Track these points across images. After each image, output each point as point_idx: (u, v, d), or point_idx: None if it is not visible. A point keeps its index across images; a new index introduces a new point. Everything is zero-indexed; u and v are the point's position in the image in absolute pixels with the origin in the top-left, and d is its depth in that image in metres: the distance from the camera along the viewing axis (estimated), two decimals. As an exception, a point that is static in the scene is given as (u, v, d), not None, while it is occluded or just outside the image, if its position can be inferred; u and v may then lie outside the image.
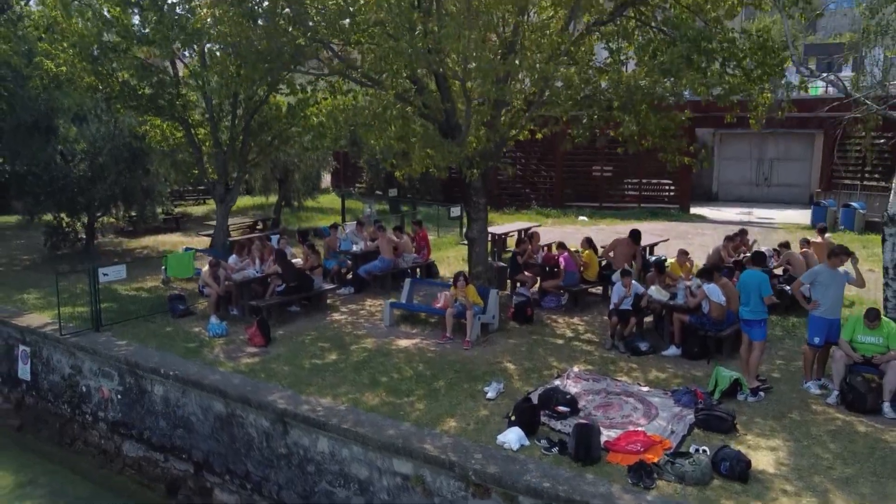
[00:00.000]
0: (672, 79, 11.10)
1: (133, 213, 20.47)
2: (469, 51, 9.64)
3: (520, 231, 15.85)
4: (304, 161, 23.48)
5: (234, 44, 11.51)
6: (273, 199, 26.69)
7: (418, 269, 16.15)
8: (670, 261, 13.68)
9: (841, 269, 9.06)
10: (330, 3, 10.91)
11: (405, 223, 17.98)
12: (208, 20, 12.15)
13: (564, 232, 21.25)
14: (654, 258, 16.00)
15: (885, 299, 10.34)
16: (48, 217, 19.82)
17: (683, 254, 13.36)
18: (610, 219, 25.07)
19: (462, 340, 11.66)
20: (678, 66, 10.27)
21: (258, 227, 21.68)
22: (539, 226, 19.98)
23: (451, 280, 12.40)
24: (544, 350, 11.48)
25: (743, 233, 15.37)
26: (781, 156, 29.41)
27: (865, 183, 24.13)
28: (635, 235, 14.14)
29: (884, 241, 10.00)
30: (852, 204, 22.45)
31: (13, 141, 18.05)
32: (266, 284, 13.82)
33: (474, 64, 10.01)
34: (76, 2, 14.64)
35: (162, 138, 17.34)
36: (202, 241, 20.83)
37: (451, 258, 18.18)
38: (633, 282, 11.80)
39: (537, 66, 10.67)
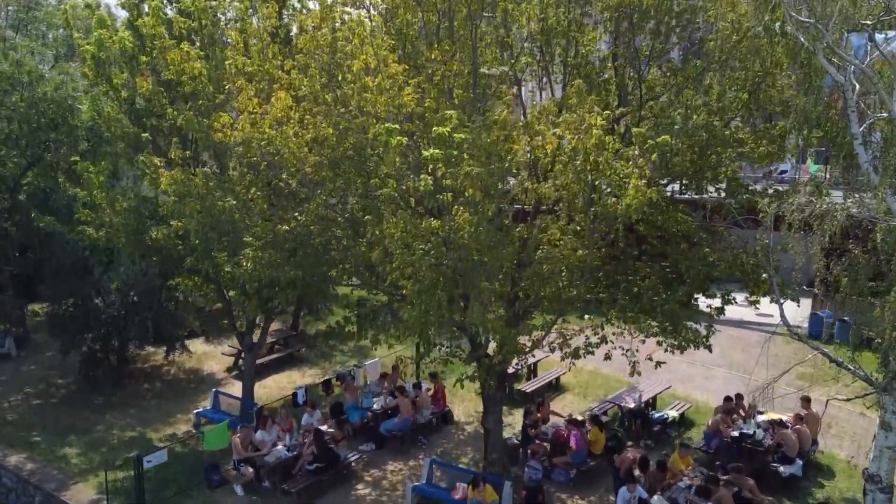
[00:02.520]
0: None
1: (164, 342, 21.49)
2: (489, 321, 10.68)
3: (527, 406, 16.81)
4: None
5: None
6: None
7: (434, 419, 17.29)
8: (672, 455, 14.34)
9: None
10: (358, 248, 11.84)
11: (420, 373, 18.94)
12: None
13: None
14: (657, 416, 17.07)
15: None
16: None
17: (685, 447, 14.33)
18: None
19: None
20: None
21: (278, 346, 22.70)
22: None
23: (470, 481, 13.43)
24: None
25: (739, 397, 16.35)
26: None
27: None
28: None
29: (865, 493, 11.04)
30: (846, 319, 23.39)
31: (53, 283, 19.20)
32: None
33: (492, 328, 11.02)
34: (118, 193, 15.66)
35: (194, 287, 18.36)
36: (226, 360, 21.96)
37: (462, 395, 19.18)
38: (638, 486, 12.85)
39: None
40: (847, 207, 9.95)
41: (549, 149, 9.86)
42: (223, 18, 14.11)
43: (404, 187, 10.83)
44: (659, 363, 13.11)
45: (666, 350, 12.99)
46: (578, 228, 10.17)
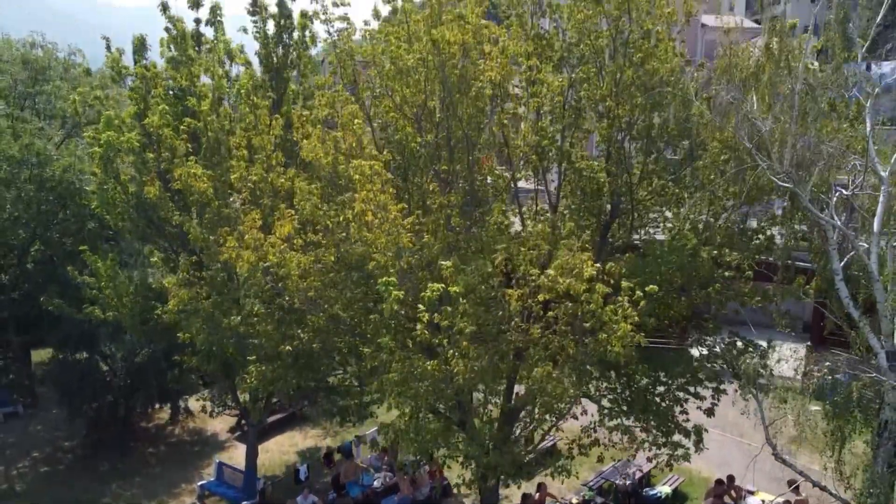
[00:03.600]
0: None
1: (170, 408, 21.90)
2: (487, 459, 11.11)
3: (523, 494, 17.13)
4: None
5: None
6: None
7: (434, 494, 17.71)
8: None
9: None
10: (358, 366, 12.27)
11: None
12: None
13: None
14: (651, 494, 17.45)
15: None
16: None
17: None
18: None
19: None
20: None
21: (280, 404, 23.06)
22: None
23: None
24: None
25: (731, 480, 16.74)
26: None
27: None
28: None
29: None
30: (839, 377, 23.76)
31: (60, 351, 19.63)
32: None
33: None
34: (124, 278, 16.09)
35: (198, 365, 18.79)
36: (229, 420, 22.34)
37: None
38: None
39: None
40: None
41: (542, 298, 10.26)
42: (228, 125, 14.46)
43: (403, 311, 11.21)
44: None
45: (656, 466, 13.42)
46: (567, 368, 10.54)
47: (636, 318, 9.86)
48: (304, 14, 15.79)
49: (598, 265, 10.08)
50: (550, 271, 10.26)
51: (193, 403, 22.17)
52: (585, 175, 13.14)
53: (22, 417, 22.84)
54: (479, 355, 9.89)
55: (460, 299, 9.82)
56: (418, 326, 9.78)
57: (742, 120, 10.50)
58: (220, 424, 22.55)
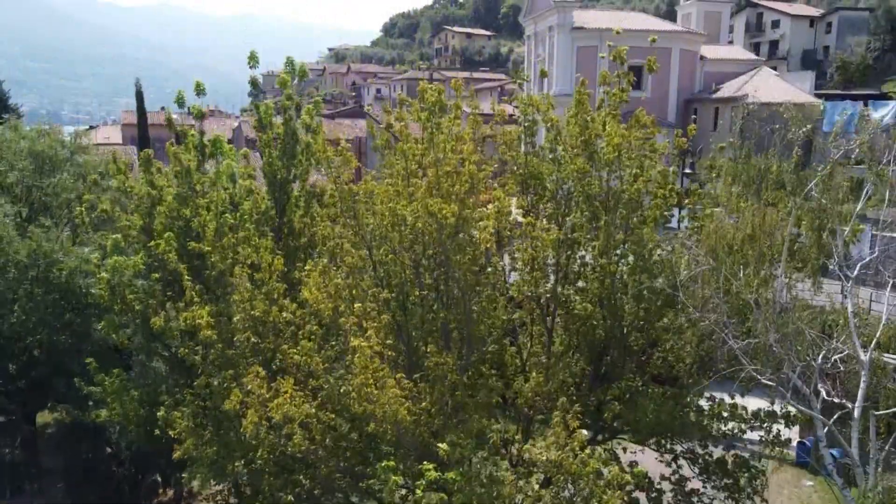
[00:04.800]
0: None
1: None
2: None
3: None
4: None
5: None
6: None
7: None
8: None
9: None
10: None
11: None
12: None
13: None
14: None
15: None
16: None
17: None
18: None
19: None
20: None
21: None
22: None
23: None
24: None
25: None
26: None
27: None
28: None
29: None
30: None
31: (65, 443, 20.06)
32: None
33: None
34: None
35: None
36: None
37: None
38: None
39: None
40: None
41: (535, 480, 10.70)
42: (231, 257, 14.85)
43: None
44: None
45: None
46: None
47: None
48: (308, 145, 16.23)
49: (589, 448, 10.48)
50: (542, 452, 10.64)
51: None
52: (579, 317, 13.55)
53: (28, 494, 23.27)
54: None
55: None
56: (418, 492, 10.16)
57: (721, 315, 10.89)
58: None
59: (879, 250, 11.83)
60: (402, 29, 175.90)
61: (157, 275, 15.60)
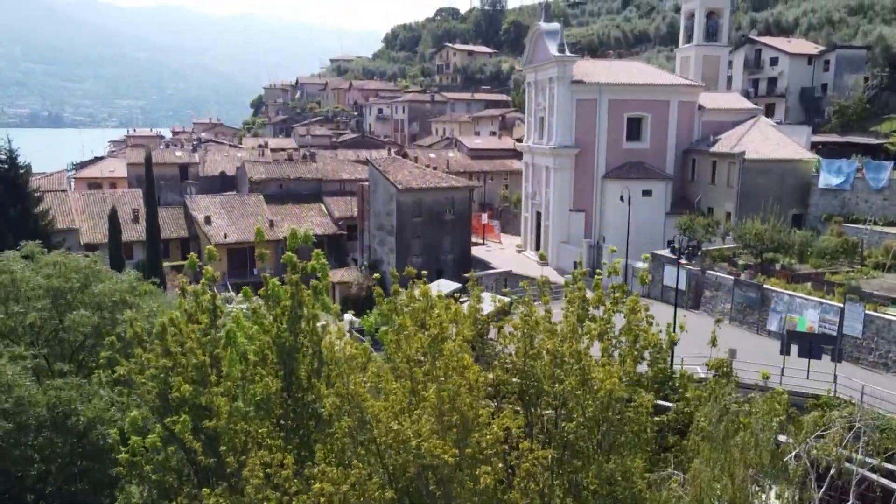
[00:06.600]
0: None
1: None
2: None
3: None
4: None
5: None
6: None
7: None
8: None
9: None
10: None
11: None
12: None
13: None
14: None
15: None
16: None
17: None
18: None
19: None
20: None
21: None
22: None
23: None
24: None
25: None
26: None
27: None
28: None
29: None
30: None
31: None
32: None
33: None
34: None
35: None
36: None
37: None
38: None
39: None
40: None
41: None
42: (243, 439, 15.66)
43: None
44: None
45: None
46: None
47: None
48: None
49: None
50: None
51: None
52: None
53: None
54: None
55: None
56: None
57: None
58: None
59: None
60: (403, 41, 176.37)
61: (173, 448, 16.41)
